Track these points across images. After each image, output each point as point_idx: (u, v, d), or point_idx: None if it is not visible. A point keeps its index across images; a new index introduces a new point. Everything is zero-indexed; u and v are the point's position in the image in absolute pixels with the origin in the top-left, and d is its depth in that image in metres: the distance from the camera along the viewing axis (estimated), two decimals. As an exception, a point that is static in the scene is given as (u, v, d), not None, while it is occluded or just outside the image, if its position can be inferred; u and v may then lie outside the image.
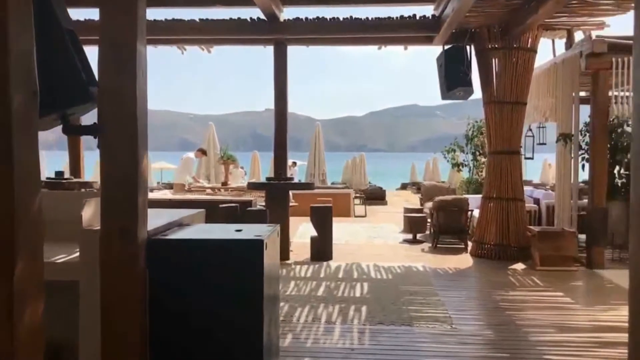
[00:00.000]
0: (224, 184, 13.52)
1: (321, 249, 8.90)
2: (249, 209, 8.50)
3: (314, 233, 9.05)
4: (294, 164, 28.64)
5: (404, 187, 40.12)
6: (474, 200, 10.50)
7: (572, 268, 8.22)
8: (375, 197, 22.64)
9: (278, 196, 8.81)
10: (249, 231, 3.51)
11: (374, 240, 11.07)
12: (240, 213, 8.61)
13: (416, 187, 34.33)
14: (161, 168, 31.54)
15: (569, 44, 9.32)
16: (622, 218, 8.72)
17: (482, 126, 14.25)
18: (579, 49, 8.56)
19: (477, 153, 14.05)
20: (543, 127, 12.32)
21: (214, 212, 8.92)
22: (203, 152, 13.74)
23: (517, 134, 9.28)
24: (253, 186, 9.23)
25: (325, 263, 8.60)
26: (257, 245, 3.22)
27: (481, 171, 14.05)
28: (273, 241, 3.56)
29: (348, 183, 29.20)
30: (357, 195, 18.88)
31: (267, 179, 9.18)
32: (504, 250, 9.10)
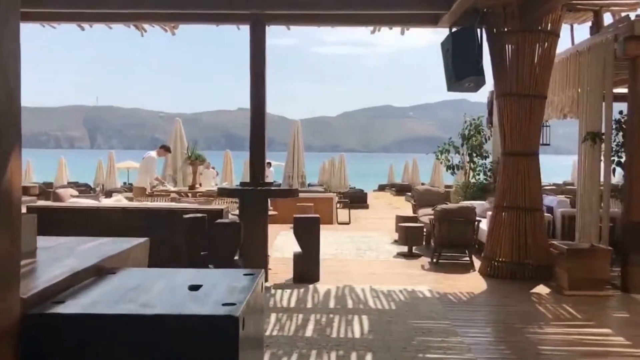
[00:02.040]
0: (192, 187, 11.94)
1: (306, 269, 7.41)
2: (219, 221, 6.96)
3: (296, 246, 7.56)
4: (269, 164, 27.07)
5: (381, 188, 38.91)
6: (477, 208, 9.14)
7: (607, 293, 6.87)
8: (357, 200, 21.20)
9: (255, 205, 7.30)
10: (212, 289, 2.01)
11: (364, 254, 9.60)
12: (208, 225, 7.07)
13: (395, 188, 33.08)
14: (127, 167, 29.71)
15: (596, 27, 7.99)
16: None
17: (479, 124, 12.91)
18: (613, 31, 7.22)
19: (475, 154, 12.69)
20: (547, 126, 11.00)
21: (176, 223, 7.38)
22: (167, 149, 12.11)
23: (536, 132, 7.92)
24: (225, 193, 7.64)
25: (311, 287, 7.10)
26: (225, 327, 1.72)
27: (478, 174, 12.70)
28: (254, 307, 2.07)
29: (326, 185, 27.76)
30: (340, 199, 17.42)
31: (242, 184, 7.64)
32: (520, 269, 7.73)
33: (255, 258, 7.29)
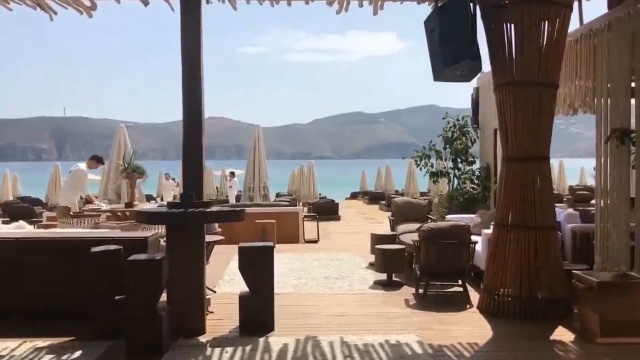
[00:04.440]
0: (129, 204, 10.04)
1: (256, 314, 5.60)
2: (133, 257, 5.11)
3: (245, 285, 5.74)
4: (232, 174, 25.25)
5: (354, 196, 37.35)
6: (465, 222, 7.48)
7: (651, 340, 5.22)
8: (327, 211, 19.51)
9: (185, 234, 5.48)
10: None
11: (334, 285, 7.83)
12: (124, 261, 5.24)
13: (368, 196, 31.49)
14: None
15: (617, -1, 6.40)
16: None
17: (464, 125, 11.29)
18: (646, 0, 5.64)
19: (460, 159, 11.06)
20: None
21: (84, 258, 5.54)
22: (98, 160, 10.19)
23: (548, 130, 6.26)
24: (145, 218, 5.75)
25: (261, 341, 5.30)
26: None
27: (464, 182, 11.06)
28: None
29: (295, 195, 25.99)
30: (307, 214, 15.65)
31: (170, 204, 5.78)
32: (530, 304, 6.05)
33: (188, 302, 5.49)
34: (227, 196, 24.44)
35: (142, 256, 5.17)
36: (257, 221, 11.40)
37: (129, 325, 4.95)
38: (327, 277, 8.34)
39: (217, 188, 28.47)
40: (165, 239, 5.92)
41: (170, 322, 5.18)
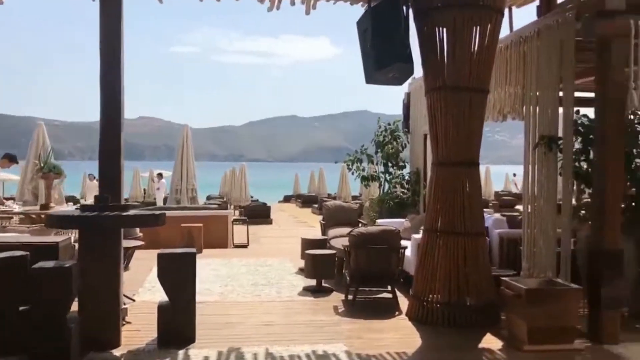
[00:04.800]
0: (45, 206, 9.40)
1: (175, 325, 5.26)
2: (39, 264, 4.67)
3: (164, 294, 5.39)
4: (160, 176, 24.45)
5: (287, 199, 37.11)
6: (395, 226, 7.40)
7: (576, 346, 5.25)
8: (259, 214, 19.17)
9: (99, 239, 5.09)
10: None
11: (262, 292, 7.55)
12: (30, 268, 4.78)
13: (301, 200, 31.33)
14: (2, 180, 26.10)
15: (546, 6, 6.48)
16: (631, 262, 5.93)
17: (395, 130, 11.28)
18: (574, 8, 5.69)
19: (391, 164, 11.02)
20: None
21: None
22: (11, 159, 9.47)
23: (478, 136, 6.24)
24: (54, 223, 5.29)
25: (181, 354, 4.97)
26: None
27: (394, 186, 11.03)
28: None
29: (227, 197, 25.46)
30: (237, 217, 15.27)
31: (83, 207, 5.35)
32: (459, 311, 5.99)
33: (101, 312, 5.09)
34: (155, 199, 23.64)
35: (49, 263, 4.74)
36: (184, 225, 10.97)
37: (32, 338, 4.51)
38: (255, 283, 8.06)
39: (144, 190, 27.56)
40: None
41: (80, 334, 4.77)
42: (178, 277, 5.25)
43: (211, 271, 8.88)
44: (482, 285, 6.07)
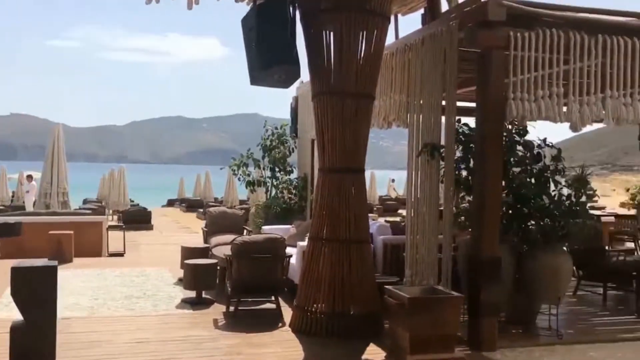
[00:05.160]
0: None
1: (31, 348, 4.67)
2: None
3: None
4: (30, 177, 22.60)
5: (170, 203, 35.85)
6: (280, 234, 7.20)
7: (457, 355, 5.26)
8: (138, 220, 18.24)
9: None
10: None
11: (136, 305, 7.02)
12: None
13: (186, 204, 30.37)
14: None
15: (431, 15, 6.53)
16: (507, 268, 6.08)
17: (283, 134, 11.09)
18: (457, 17, 5.76)
19: (278, 169, 10.82)
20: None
21: None
22: None
23: (363, 142, 6.16)
24: None
25: (37, 381, 4.41)
26: None
27: (281, 192, 10.83)
28: None
29: (105, 202, 24.08)
30: (114, 223, 14.37)
31: None
32: (342, 321, 5.86)
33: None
34: (24, 202, 21.83)
35: None
36: (52, 232, 10.07)
37: None
38: (129, 296, 7.49)
39: (13, 193, 25.41)
40: None
41: None
42: (35, 293, 4.66)
43: (81, 283, 8.18)
44: (366, 294, 5.98)
